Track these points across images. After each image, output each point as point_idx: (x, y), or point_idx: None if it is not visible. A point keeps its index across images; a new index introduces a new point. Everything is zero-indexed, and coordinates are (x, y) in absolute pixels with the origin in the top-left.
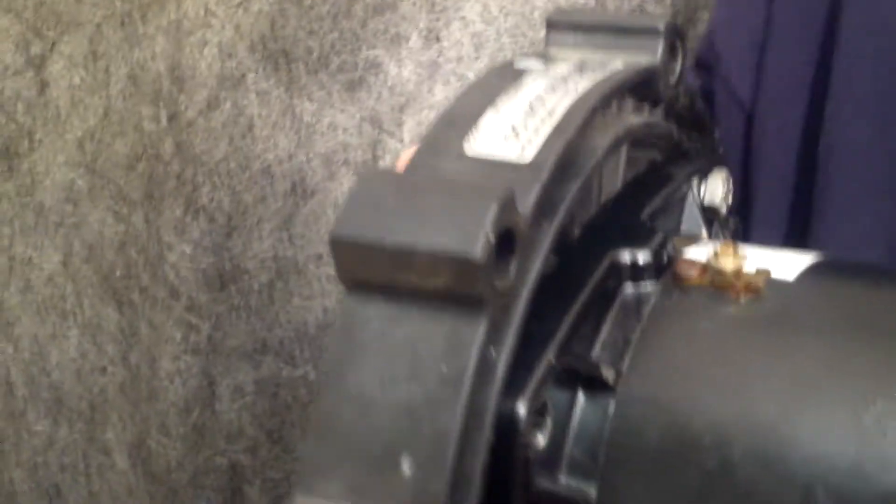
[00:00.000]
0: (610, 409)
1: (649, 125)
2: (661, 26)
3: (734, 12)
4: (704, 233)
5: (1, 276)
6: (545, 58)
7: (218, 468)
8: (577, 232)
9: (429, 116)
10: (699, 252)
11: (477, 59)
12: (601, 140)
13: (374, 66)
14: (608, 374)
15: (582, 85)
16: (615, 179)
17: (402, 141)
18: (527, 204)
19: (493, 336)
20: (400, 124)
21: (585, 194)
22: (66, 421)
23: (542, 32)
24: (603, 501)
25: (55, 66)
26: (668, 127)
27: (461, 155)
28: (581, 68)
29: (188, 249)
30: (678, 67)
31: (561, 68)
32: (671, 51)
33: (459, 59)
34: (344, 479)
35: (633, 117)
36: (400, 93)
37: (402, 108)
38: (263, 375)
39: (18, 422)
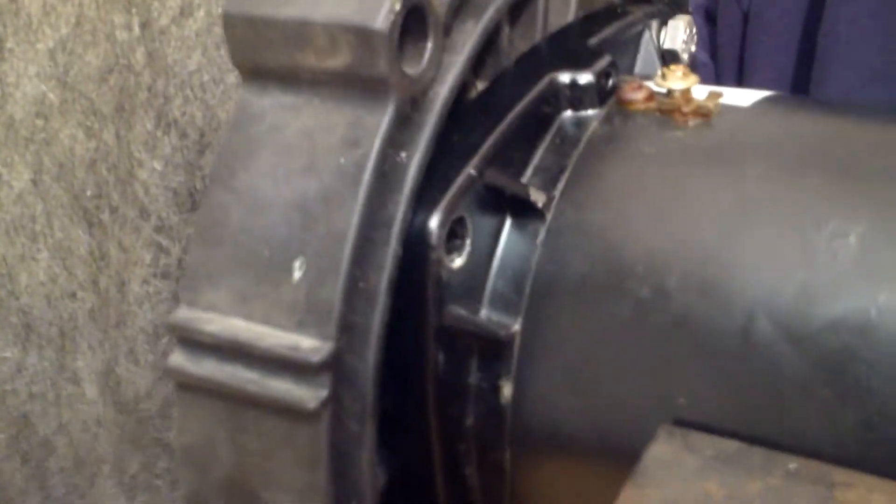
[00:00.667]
0: (539, 237)
1: None
2: None
3: None
4: None
5: None
6: None
7: None
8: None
9: None
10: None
11: None
12: None
13: None
14: (537, 197)
15: None
16: (565, 13)
17: None
18: None
19: (404, 135)
20: None
21: (527, 25)
22: (35, 348)
23: None
24: (527, 336)
25: None
26: None
27: None
28: None
29: (159, 166)
30: None
31: None
32: None
33: None
34: (231, 287)
35: None
36: None
37: None
38: None
39: None
